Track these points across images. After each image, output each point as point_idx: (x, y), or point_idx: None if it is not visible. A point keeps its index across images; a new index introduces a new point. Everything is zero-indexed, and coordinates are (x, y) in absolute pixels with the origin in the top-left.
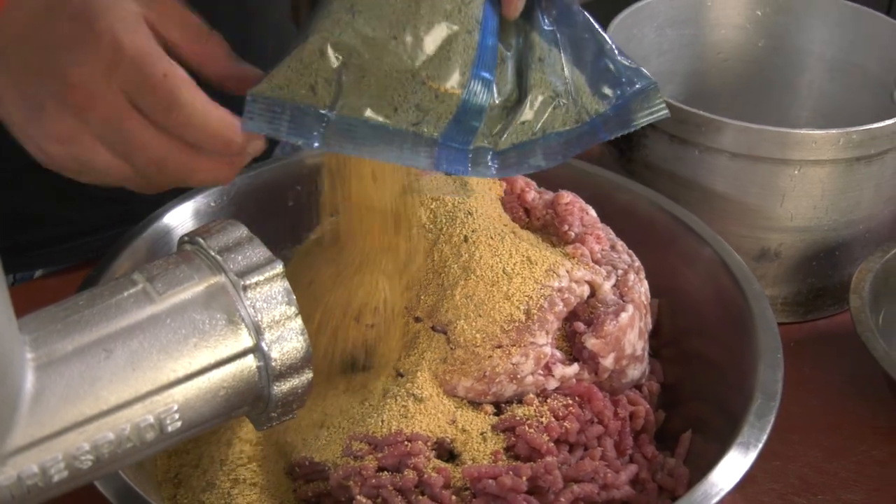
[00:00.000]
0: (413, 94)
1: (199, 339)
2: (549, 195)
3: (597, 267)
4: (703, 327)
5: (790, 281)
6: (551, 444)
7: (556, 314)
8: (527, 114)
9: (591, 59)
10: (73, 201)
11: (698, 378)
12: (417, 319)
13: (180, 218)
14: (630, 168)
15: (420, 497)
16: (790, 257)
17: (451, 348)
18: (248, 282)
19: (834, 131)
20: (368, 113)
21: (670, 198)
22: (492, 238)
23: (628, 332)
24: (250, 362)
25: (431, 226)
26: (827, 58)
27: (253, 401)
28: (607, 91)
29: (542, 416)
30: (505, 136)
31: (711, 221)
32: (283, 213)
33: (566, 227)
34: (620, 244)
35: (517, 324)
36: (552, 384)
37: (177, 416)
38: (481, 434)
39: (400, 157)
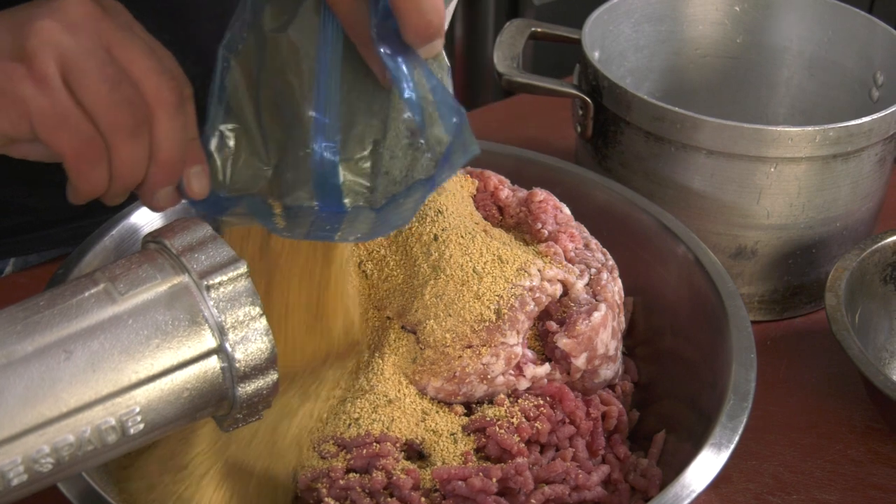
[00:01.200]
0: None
1: (161, 339)
2: (522, 193)
3: (570, 265)
4: (677, 326)
5: (767, 279)
6: (522, 445)
7: (527, 314)
8: (390, 163)
9: (431, 96)
10: (37, 188)
11: (672, 377)
12: (388, 319)
13: (149, 216)
14: (605, 165)
15: (389, 499)
16: (767, 255)
17: (421, 348)
18: (211, 282)
19: (811, 128)
20: None
21: (646, 195)
22: (462, 237)
23: (601, 332)
24: (214, 363)
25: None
26: (805, 54)
27: (217, 402)
28: (443, 132)
29: (512, 417)
30: (378, 191)
31: (688, 219)
32: None
33: (539, 226)
34: (594, 242)
35: (487, 323)
36: (523, 384)
37: (139, 418)
38: (451, 435)
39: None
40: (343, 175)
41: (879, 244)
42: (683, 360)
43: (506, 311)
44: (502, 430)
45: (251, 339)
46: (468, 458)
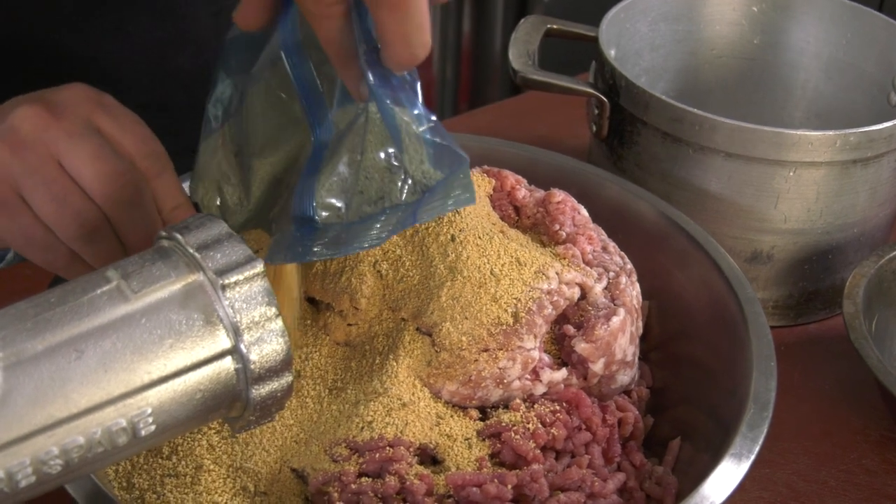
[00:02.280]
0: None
1: (174, 339)
2: (539, 193)
3: (588, 268)
4: (693, 331)
5: (782, 284)
6: (538, 452)
7: (544, 317)
8: (365, 183)
9: (415, 130)
10: None
11: (688, 383)
12: (403, 320)
13: None
14: (621, 166)
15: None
16: (782, 260)
17: (437, 351)
18: (226, 281)
19: (831, 133)
20: None
21: (662, 197)
22: (480, 238)
23: (619, 337)
24: (228, 364)
25: (419, 224)
26: (823, 56)
27: (230, 404)
28: (432, 168)
29: (528, 423)
30: (351, 209)
31: (704, 222)
32: None
33: (557, 227)
34: (612, 245)
35: (504, 327)
36: (539, 389)
37: (150, 419)
38: (466, 440)
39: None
40: (318, 193)
41: None
42: (700, 365)
43: (523, 314)
44: (518, 436)
45: (266, 340)
46: (483, 464)
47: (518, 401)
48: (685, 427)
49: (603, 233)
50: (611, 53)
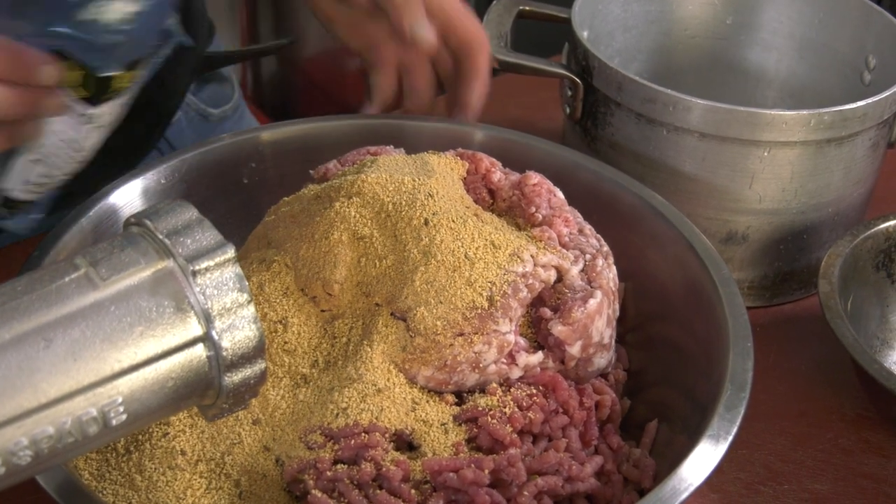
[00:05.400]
0: None
1: (145, 327)
2: (515, 176)
3: (564, 251)
4: (669, 313)
5: (757, 264)
6: (514, 436)
7: (519, 301)
8: None
9: None
10: None
11: (664, 365)
12: (377, 305)
13: (128, 196)
14: (595, 147)
15: (378, 491)
16: (758, 240)
17: (411, 336)
18: (197, 267)
19: (805, 112)
20: None
21: (636, 178)
22: (453, 221)
23: (596, 320)
24: (200, 352)
25: (391, 208)
26: (796, 36)
27: (203, 391)
28: None
29: (505, 407)
30: None
31: (678, 203)
32: (236, 192)
33: (533, 209)
34: (588, 228)
35: (480, 311)
36: (516, 373)
37: (121, 408)
38: (442, 425)
39: None
40: None
41: (872, 230)
42: (676, 347)
43: (498, 297)
44: (494, 421)
45: (239, 326)
46: (459, 449)
47: (494, 385)
48: (662, 409)
49: (579, 215)
50: (584, 35)
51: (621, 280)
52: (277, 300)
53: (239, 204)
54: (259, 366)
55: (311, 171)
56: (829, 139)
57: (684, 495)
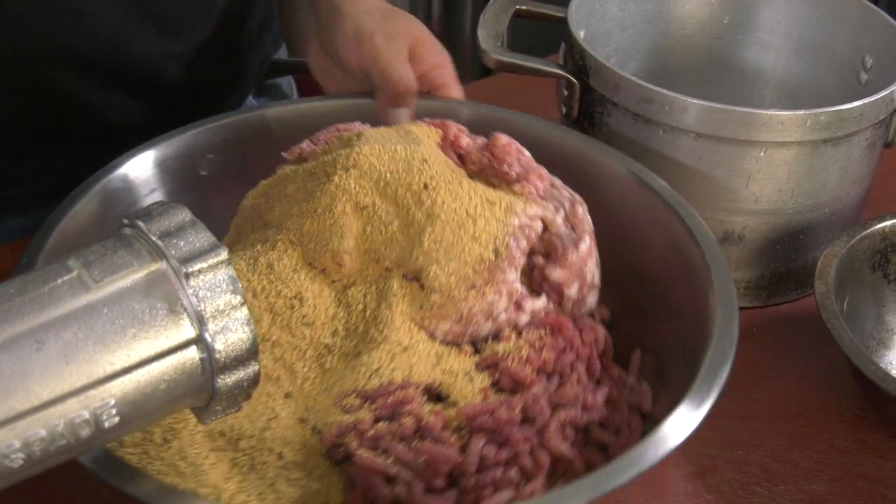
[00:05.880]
0: None
1: (137, 329)
2: (481, 139)
3: (545, 203)
4: (646, 269)
5: (753, 265)
6: (534, 376)
7: (521, 250)
8: None
9: None
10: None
11: (636, 299)
12: (387, 270)
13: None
14: None
15: (421, 442)
16: (754, 240)
17: (427, 294)
18: (190, 269)
19: (801, 112)
20: None
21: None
22: (450, 183)
23: (588, 261)
24: (193, 354)
25: (389, 177)
26: (793, 36)
27: (196, 394)
28: None
29: (520, 350)
30: None
31: None
32: (195, 185)
33: (506, 168)
34: (558, 181)
35: (488, 263)
36: (524, 319)
37: (114, 411)
38: (466, 374)
39: None
40: None
41: (868, 230)
42: (652, 283)
43: (502, 249)
44: (514, 363)
45: (232, 328)
46: (487, 394)
47: (507, 331)
48: (639, 338)
49: (546, 171)
50: (580, 34)
51: (602, 241)
52: (289, 277)
53: (197, 197)
54: (252, 368)
55: (283, 154)
56: (826, 139)
57: (671, 445)
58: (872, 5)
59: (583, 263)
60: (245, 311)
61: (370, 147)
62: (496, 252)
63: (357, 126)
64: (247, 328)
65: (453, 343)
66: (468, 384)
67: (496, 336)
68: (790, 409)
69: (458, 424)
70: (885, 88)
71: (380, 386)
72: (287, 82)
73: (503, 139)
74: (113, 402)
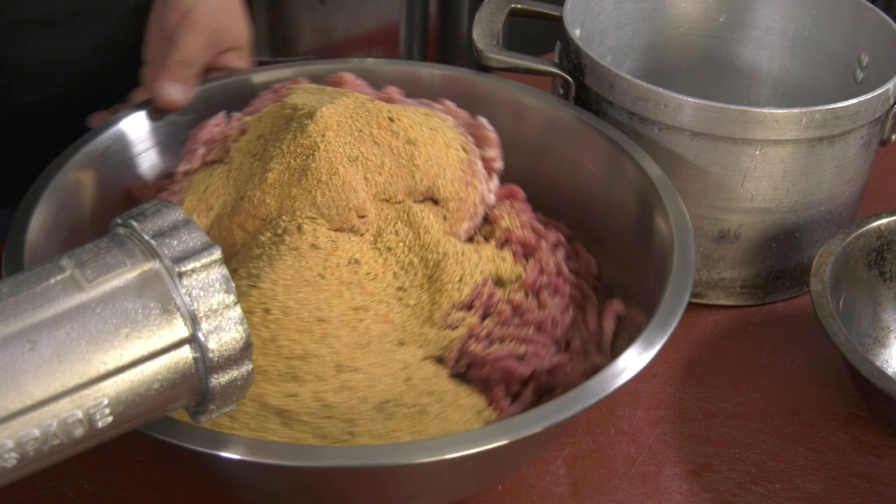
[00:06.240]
0: None
1: (131, 329)
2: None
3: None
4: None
5: (749, 263)
6: (537, 237)
7: (472, 142)
8: None
9: None
10: None
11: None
12: (399, 202)
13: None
14: None
15: (518, 318)
16: (750, 239)
17: (444, 204)
18: (183, 268)
19: (797, 110)
20: None
21: None
22: (401, 111)
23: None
24: (186, 353)
25: (359, 124)
26: (789, 34)
27: (189, 393)
28: None
29: (515, 224)
30: None
31: None
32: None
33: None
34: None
35: (466, 160)
36: (491, 197)
37: (107, 410)
38: (499, 255)
39: None
40: None
41: (864, 229)
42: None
43: (467, 145)
44: (522, 231)
45: (225, 328)
46: (518, 258)
47: (496, 212)
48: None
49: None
50: (576, 33)
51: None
52: (333, 247)
53: None
54: (246, 367)
55: (178, 170)
56: (821, 137)
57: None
58: (868, 3)
59: (495, 135)
60: (238, 310)
61: (325, 108)
62: (464, 148)
63: (278, 90)
64: (240, 327)
65: (469, 238)
66: (503, 262)
67: (486, 220)
68: (786, 408)
69: (526, 292)
70: (880, 86)
71: (472, 291)
72: None
73: (346, 77)
74: (106, 401)
